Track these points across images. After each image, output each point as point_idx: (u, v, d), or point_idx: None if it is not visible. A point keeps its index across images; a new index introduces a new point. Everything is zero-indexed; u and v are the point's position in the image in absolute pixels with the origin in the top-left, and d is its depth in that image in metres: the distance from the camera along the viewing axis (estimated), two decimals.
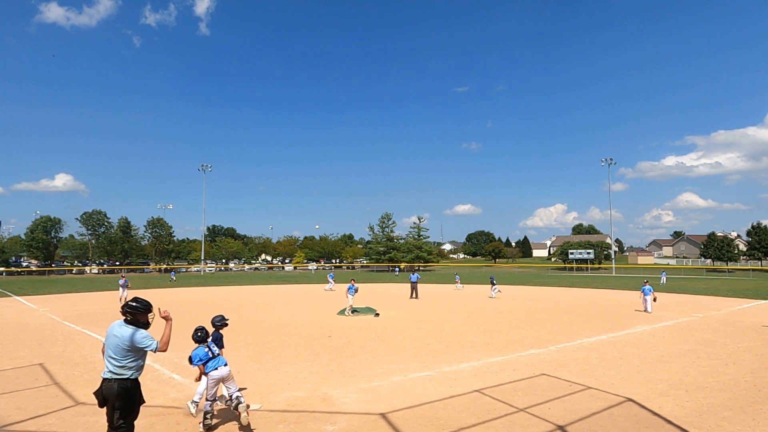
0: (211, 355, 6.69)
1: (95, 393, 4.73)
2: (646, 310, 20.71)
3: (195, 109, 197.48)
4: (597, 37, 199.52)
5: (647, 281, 22.57)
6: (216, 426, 6.66)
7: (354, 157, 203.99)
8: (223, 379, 6.65)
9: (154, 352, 4.79)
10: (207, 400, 6.60)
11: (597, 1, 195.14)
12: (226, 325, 7.75)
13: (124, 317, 4.88)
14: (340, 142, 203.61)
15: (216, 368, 6.62)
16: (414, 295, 28.62)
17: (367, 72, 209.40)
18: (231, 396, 6.65)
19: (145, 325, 4.91)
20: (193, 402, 7.07)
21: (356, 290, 20.89)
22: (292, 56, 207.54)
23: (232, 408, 6.57)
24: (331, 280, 37.92)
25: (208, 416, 6.56)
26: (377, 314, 19.86)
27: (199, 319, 18.86)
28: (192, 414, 6.92)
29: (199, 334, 6.86)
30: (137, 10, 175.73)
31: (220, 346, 7.40)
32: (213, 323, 7.68)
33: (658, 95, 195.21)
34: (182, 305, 24.71)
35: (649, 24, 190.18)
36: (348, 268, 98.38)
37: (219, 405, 6.97)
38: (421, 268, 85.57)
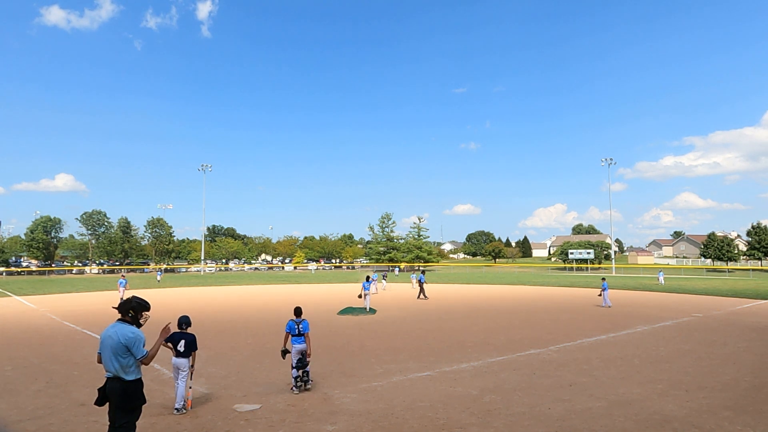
0: (296, 332, 8.33)
1: (99, 389, 4.70)
2: (606, 305, 22.28)
3: (195, 109, 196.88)
4: (595, 38, 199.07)
5: (604, 278, 24.74)
6: (304, 391, 8.29)
7: (354, 158, 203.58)
8: (301, 353, 8.26)
9: (139, 361, 4.67)
10: (293, 368, 8.23)
11: (595, 2, 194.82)
12: (189, 326, 7.74)
13: (123, 315, 4.83)
14: (340, 142, 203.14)
15: (295, 344, 8.31)
16: (421, 296, 28.10)
17: (366, 73, 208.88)
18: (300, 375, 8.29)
19: (139, 324, 4.88)
20: (179, 409, 7.17)
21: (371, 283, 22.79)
22: (292, 57, 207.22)
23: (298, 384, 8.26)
24: (374, 281, 32.95)
25: (297, 380, 8.19)
26: (374, 311, 20.41)
27: (198, 319, 18.84)
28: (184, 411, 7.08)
29: (297, 308, 8.78)
30: (138, 14, 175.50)
31: (194, 348, 7.45)
32: (179, 324, 7.67)
33: (656, 96, 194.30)
34: (181, 305, 24.69)
35: (647, 26, 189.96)
36: (348, 268, 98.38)
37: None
38: (420, 268, 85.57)
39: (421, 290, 28.52)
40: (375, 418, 6.97)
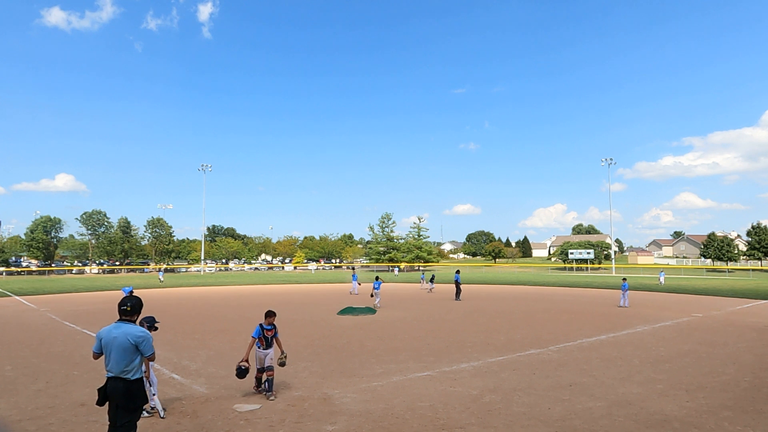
0: (261, 338, 8.61)
1: (99, 389, 4.76)
2: (624, 305, 22.53)
3: (195, 109, 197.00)
4: (593, 39, 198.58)
5: (625, 278, 25.02)
6: (262, 391, 8.33)
7: (354, 158, 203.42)
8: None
9: (147, 357, 4.96)
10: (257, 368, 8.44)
11: (595, 3, 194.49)
12: (156, 329, 7.38)
13: (130, 315, 4.94)
14: (340, 142, 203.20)
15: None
16: (457, 297, 27.20)
17: (366, 74, 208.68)
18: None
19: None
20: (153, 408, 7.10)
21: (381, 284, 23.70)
22: (292, 58, 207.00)
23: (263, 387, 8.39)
24: (354, 282, 32.59)
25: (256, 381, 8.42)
26: (374, 311, 20.69)
27: (198, 319, 18.85)
28: (162, 417, 6.98)
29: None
30: (139, 16, 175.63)
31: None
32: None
33: (655, 96, 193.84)
34: (181, 305, 24.70)
35: (646, 26, 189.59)
36: (348, 267, 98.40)
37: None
38: (420, 268, 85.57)
39: (458, 291, 27.45)
40: (375, 418, 6.97)
